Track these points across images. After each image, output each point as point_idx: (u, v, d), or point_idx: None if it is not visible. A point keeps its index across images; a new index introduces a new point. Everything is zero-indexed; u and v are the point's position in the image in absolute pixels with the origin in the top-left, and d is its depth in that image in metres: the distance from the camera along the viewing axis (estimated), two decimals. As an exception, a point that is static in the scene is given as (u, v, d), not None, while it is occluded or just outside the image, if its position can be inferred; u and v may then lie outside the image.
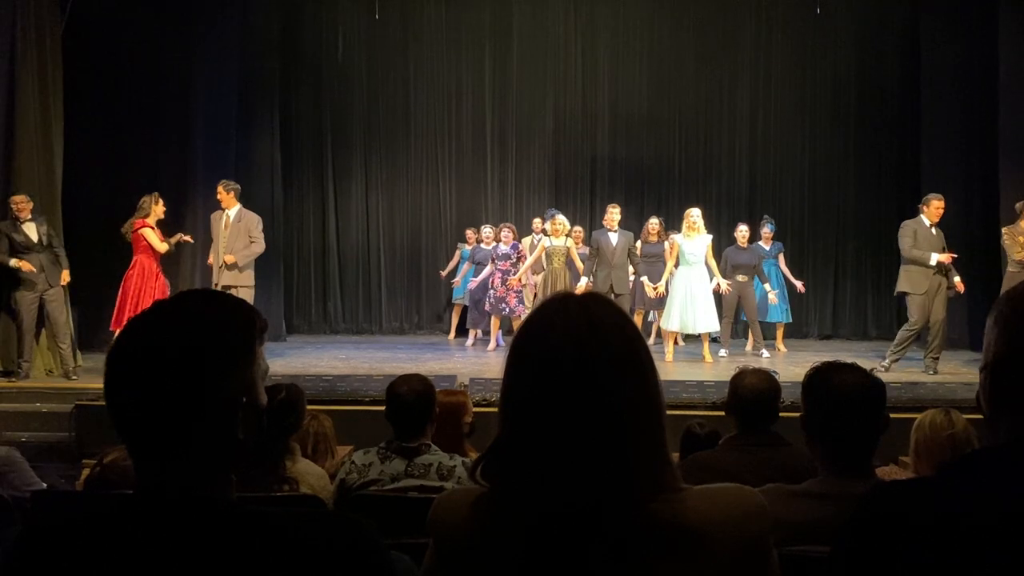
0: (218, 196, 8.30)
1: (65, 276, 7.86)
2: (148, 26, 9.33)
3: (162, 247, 8.04)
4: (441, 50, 11.84)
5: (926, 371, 8.18)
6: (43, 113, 8.30)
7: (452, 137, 11.98)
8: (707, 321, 8.93)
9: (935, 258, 8.07)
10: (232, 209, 8.32)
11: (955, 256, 8.20)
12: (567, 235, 9.33)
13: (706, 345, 9.08)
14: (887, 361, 8.31)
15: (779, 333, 10.18)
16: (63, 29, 8.55)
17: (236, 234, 8.28)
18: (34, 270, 7.69)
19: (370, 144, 11.86)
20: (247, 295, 8.25)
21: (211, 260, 8.40)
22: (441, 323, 11.73)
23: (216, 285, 8.10)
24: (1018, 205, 7.98)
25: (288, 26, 11.32)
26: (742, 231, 9.52)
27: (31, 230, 7.74)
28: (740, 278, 9.26)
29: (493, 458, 1.22)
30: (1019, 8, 9.31)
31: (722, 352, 9.22)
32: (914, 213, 8.43)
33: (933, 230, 8.16)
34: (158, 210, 8.09)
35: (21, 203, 7.68)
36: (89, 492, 2.96)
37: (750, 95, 11.76)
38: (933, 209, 8.15)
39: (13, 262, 7.64)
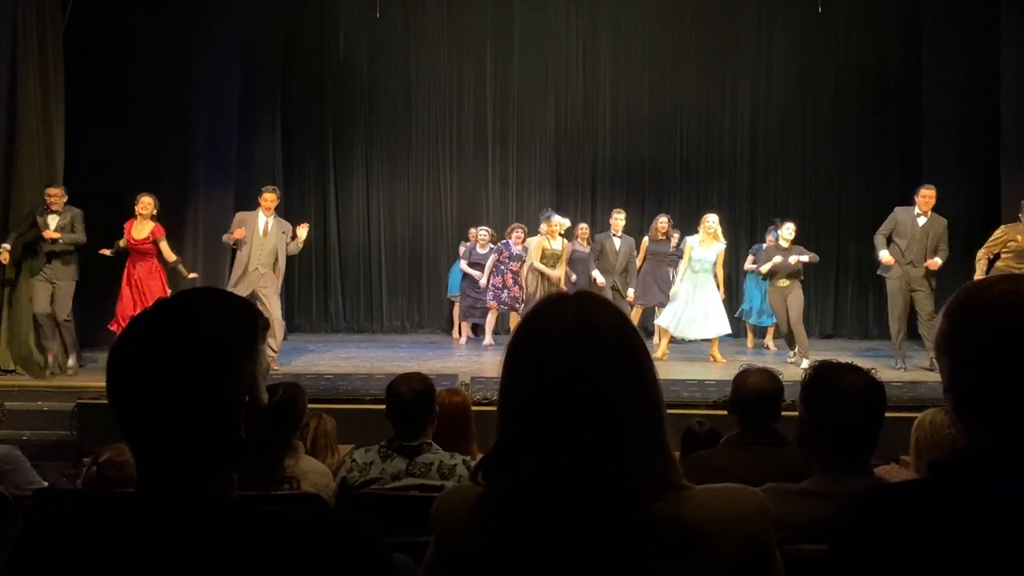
0: (267, 204, 8.29)
1: (49, 233, 7.79)
2: (149, 25, 9.32)
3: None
4: (442, 49, 11.84)
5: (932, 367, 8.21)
6: (44, 112, 8.30)
7: (453, 136, 11.98)
8: (704, 327, 8.91)
9: (884, 255, 8.23)
10: (271, 216, 8.34)
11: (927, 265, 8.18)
12: (563, 235, 9.40)
13: (715, 345, 9.09)
14: (898, 363, 8.29)
15: (770, 331, 10.18)
16: (64, 28, 8.55)
17: (275, 242, 8.34)
18: (7, 260, 7.77)
19: (371, 143, 11.86)
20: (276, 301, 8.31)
21: (236, 238, 8.25)
22: (442, 322, 11.73)
23: (248, 291, 8.10)
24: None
25: (289, 25, 11.32)
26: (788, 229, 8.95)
27: (52, 221, 7.86)
28: (782, 283, 8.69)
29: (493, 458, 1.22)
30: (1021, 6, 9.30)
31: (792, 357, 8.67)
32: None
33: (920, 220, 8.19)
34: (138, 207, 8.06)
35: (50, 195, 7.85)
36: (89, 490, 2.96)
37: (751, 94, 11.76)
38: (921, 199, 8.23)
39: (4, 246, 7.76)
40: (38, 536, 1.16)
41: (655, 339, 9.86)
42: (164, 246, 8.10)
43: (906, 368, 8.17)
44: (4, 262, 7.81)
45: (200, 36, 9.66)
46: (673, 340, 9.32)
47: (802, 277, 8.87)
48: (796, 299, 8.70)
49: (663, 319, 9.04)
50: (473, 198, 11.94)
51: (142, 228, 8.03)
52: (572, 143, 11.92)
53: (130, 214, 8.16)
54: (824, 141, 11.69)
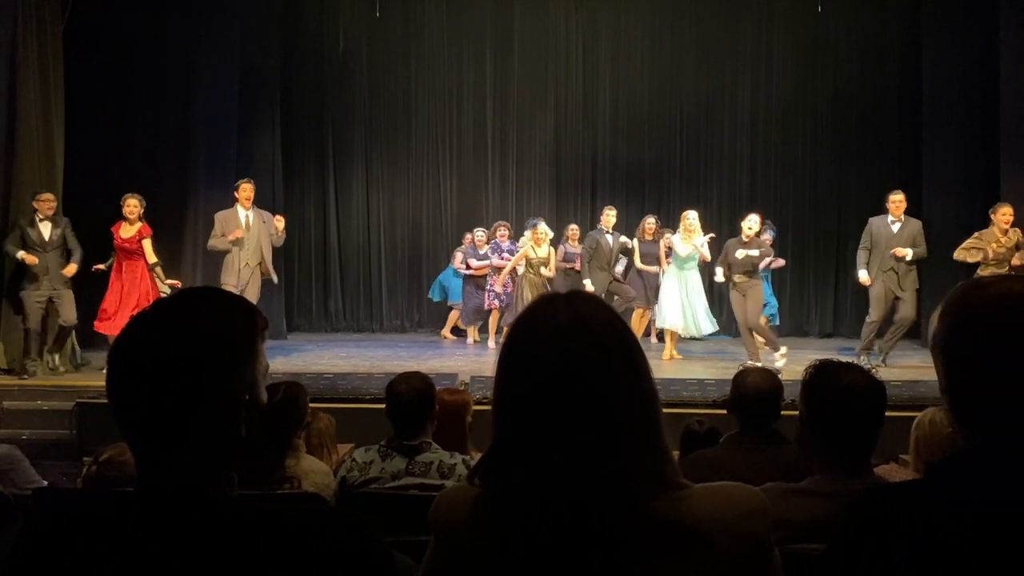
0: (247, 195, 8.26)
1: (70, 269, 7.86)
2: (149, 24, 9.33)
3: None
4: (442, 48, 11.84)
5: (874, 358, 8.27)
6: (44, 111, 8.30)
7: (453, 135, 11.98)
8: (707, 323, 8.98)
9: (862, 276, 8.31)
10: (250, 210, 8.29)
11: (866, 282, 8.28)
12: (549, 243, 9.43)
13: (671, 342, 9.14)
14: (861, 359, 8.17)
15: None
16: (64, 28, 8.54)
17: (263, 234, 8.30)
18: (36, 262, 7.73)
19: (371, 142, 11.86)
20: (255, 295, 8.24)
21: (237, 236, 8.18)
22: (442, 322, 11.73)
23: (240, 287, 8.01)
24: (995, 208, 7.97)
25: (289, 24, 11.31)
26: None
27: (45, 229, 7.82)
28: (737, 279, 8.38)
29: (489, 460, 1.22)
30: (1021, 6, 9.30)
31: (749, 361, 8.14)
32: (915, 211, 8.48)
33: (895, 226, 8.25)
34: (125, 211, 8.00)
35: (44, 201, 7.79)
36: (89, 490, 2.96)
37: (751, 93, 11.76)
38: (891, 204, 8.30)
39: (20, 254, 7.73)
40: (38, 535, 1.16)
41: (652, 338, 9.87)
42: (147, 246, 8.02)
43: (872, 367, 8.15)
44: (35, 263, 7.75)
45: (200, 36, 9.67)
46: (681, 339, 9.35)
47: (761, 274, 8.49)
48: (753, 298, 8.30)
49: (669, 321, 9.02)
50: (473, 198, 11.94)
51: (130, 228, 8.01)
52: (572, 143, 11.92)
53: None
54: (824, 141, 11.69)
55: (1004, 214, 7.80)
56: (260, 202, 9.34)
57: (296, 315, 11.66)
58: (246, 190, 8.30)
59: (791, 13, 11.52)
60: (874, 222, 8.42)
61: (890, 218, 8.29)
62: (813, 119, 11.71)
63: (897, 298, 8.24)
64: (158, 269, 8.13)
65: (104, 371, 1.20)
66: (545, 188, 11.93)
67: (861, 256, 8.39)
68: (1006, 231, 7.75)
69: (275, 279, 8.70)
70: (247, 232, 8.24)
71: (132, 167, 9.31)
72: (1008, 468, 1.11)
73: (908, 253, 8.07)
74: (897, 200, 8.28)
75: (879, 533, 1.13)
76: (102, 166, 9.26)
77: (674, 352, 9.18)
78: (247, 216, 8.30)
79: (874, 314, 8.35)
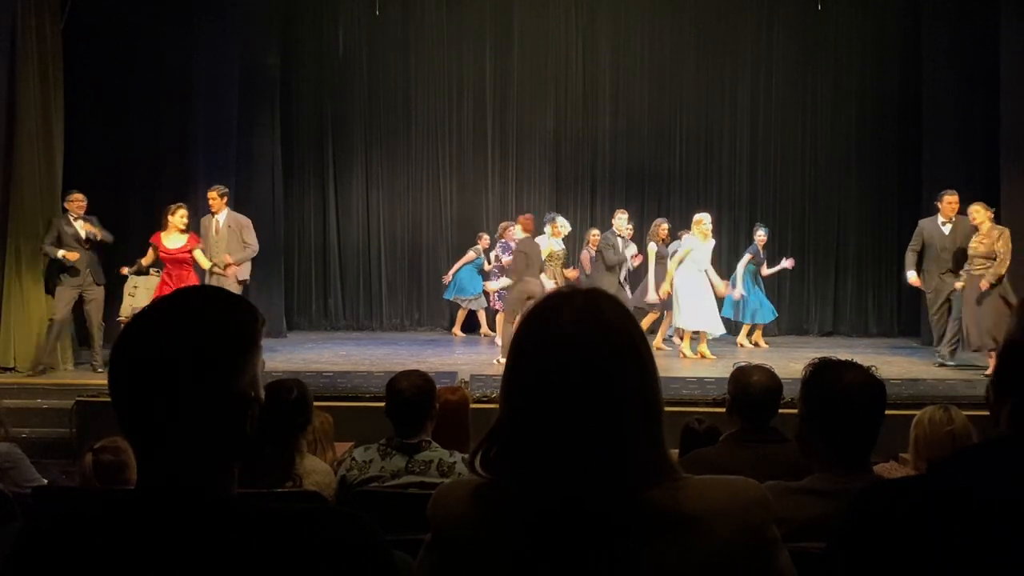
0: (211, 201, 8.26)
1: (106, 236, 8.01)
2: (149, 24, 9.32)
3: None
4: (442, 47, 11.83)
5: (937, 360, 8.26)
6: (44, 111, 8.30)
7: (453, 134, 11.97)
8: (720, 323, 9.12)
9: (911, 276, 8.32)
10: (221, 214, 8.28)
11: (919, 285, 8.28)
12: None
13: (704, 343, 9.14)
14: (945, 360, 8.27)
15: (758, 329, 10.13)
16: (63, 26, 8.54)
17: (227, 239, 8.27)
18: (77, 257, 7.81)
19: (371, 141, 11.86)
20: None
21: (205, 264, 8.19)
22: (442, 320, 11.73)
23: None
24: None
25: (288, 23, 11.31)
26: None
27: (80, 228, 7.89)
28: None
29: (492, 447, 1.23)
30: (1020, 7, 9.30)
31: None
32: (914, 211, 8.49)
33: (946, 228, 8.23)
34: (172, 220, 7.92)
35: (74, 201, 7.91)
36: (87, 482, 2.96)
37: (751, 93, 11.76)
38: (945, 205, 8.26)
39: (61, 253, 7.79)
40: (38, 534, 1.16)
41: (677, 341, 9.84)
42: (200, 256, 7.95)
43: (953, 364, 8.17)
44: (77, 258, 7.80)
45: (200, 36, 9.66)
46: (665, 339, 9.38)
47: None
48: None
49: (701, 323, 9.05)
50: (473, 197, 11.94)
51: (179, 238, 7.88)
52: (572, 143, 11.92)
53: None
54: (824, 141, 11.69)
55: (949, 203, 8.00)
56: (261, 202, 9.36)
57: (296, 313, 11.66)
58: (209, 197, 8.31)
59: (791, 13, 11.53)
60: (924, 224, 8.40)
61: (940, 219, 8.27)
62: (813, 119, 11.71)
63: (948, 299, 8.17)
64: (216, 269, 8.14)
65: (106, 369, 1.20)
66: (545, 187, 11.93)
67: (909, 258, 8.38)
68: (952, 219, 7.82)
69: (238, 276, 8.36)
70: (216, 237, 8.24)
71: (132, 167, 9.30)
72: (1009, 466, 1.11)
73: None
74: (952, 201, 8.23)
75: (880, 531, 1.13)
76: (102, 166, 9.26)
77: (706, 351, 9.13)
78: (216, 221, 8.31)
79: (931, 314, 8.40)
